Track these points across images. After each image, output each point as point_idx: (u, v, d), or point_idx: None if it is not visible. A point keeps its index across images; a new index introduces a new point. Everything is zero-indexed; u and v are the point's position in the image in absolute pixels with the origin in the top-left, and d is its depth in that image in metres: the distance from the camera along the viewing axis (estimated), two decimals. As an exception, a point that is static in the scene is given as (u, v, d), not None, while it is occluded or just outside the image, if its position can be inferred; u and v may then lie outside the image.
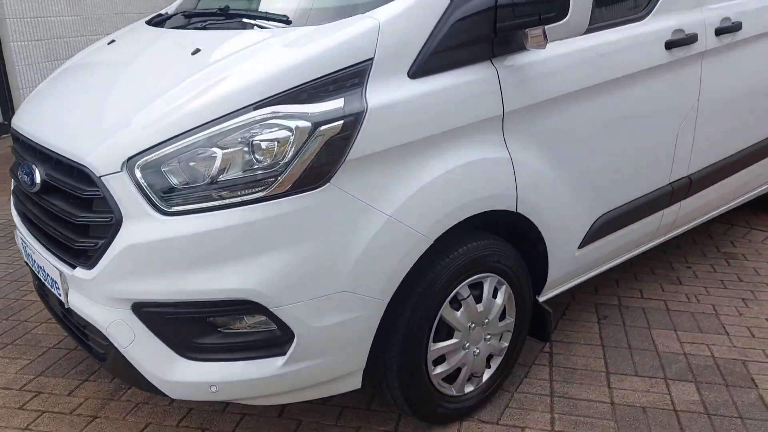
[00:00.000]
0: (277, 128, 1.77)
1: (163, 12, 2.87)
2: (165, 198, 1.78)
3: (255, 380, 1.88)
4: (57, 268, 2.03)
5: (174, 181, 1.78)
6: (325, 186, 1.80)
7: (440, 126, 1.97)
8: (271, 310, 1.80)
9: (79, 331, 2.14)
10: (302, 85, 1.80)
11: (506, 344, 2.41)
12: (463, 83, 2.01)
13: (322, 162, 1.78)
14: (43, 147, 2.09)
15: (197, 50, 2.08)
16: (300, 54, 1.85)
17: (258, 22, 2.20)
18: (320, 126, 1.78)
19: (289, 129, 1.76)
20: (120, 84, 2.13)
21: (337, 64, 1.83)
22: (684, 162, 2.93)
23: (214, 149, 1.77)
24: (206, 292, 1.78)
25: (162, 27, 2.60)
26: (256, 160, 1.76)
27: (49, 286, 2.15)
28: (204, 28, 2.36)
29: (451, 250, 2.11)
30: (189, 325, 1.85)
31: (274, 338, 1.86)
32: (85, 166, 1.87)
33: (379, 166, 1.88)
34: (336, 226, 1.83)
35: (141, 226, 1.79)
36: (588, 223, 2.57)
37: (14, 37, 6.68)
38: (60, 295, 2.05)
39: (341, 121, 1.79)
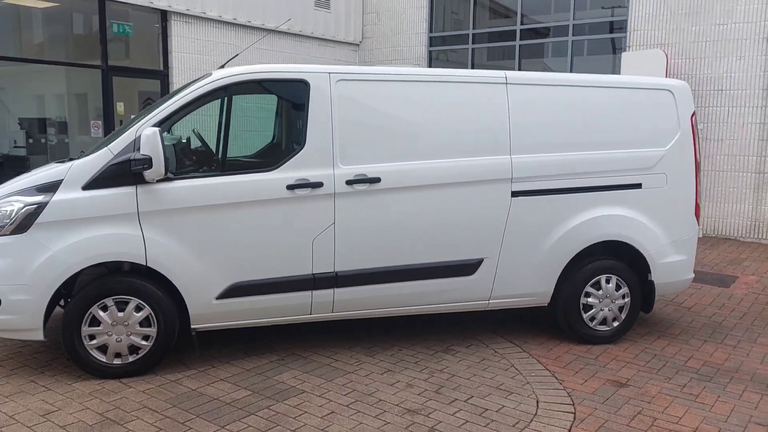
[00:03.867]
0: (11, 204, 4.06)
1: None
2: None
3: (-12, 320, 4.09)
4: None
5: None
6: (26, 233, 4.02)
7: (95, 213, 4.07)
8: (-10, 285, 4.03)
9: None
10: (30, 187, 4.09)
11: (149, 343, 4.25)
12: (112, 194, 4.11)
13: (25, 222, 4.02)
14: None
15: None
16: (41, 174, 4.15)
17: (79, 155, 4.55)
18: (27, 206, 4.03)
19: (13, 206, 4.04)
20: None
21: (47, 179, 4.10)
22: (326, 261, 4.49)
23: (-9, 212, 4.12)
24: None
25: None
26: (3, 217, 4.06)
27: None
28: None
29: (98, 278, 4.13)
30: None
31: (-6, 300, 4.07)
32: None
33: (58, 227, 4.04)
34: (28, 252, 4.02)
35: None
36: (222, 285, 4.33)
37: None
38: None
39: (35, 205, 4.03)
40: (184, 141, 5.00)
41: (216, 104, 4.62)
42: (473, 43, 12.64)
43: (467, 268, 4.80)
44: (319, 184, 4.41)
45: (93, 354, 4.20)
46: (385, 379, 4.36)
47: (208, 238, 4.27)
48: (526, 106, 4.86)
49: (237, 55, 5.32)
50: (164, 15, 10.33)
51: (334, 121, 4.47)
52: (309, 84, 4.45)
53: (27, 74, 10.19)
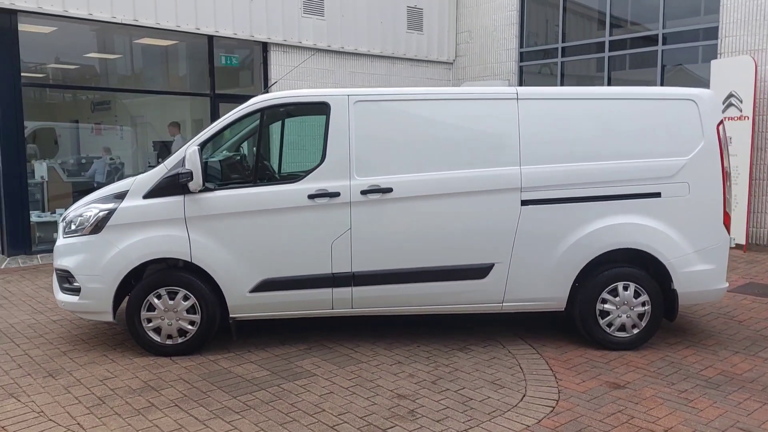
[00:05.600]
0: (90, 210, 5.06)
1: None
2: (66, 231, 5.19)
3: (71, 303, 5.08)
4: None
5: (72, 227, 5.19)
6: (99, 233, 4.99)
7: (153, 217, 4.96)
8: (75, 276, 5.02)
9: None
10: (107, 195, 5.07)
11: (195, 328, 5.05)
12: (165, 202, 4.97)
13: (100, 225, 4.99)
14: None
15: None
16: (116, 185, 5.14)
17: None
18: (102, 211, 5.00)
19: (92, 211, 5.03)
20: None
21: (117, 190, 5.06)
22: (344, 262, 5.05)
23: (78, 216, 5.14)
24: (59, 266, 5.11)
25: None
26: (85, 220, 5.06)
27: None
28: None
29: (149, 273, 5.00)
30: (61, 278, 5.18)
31: (76, 288, 5.04)
32: None
33: (123, 229, 4.96)
34: (101, 248, 4.97)
35: (60, 239, 5.23)
36: (254, 280, 5.03)
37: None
38: None
39: (107, 211, 4.98)
40: (237, 157, 5.81)
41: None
42: (562, 56, 12.68)
43: (478, 271, 5.14)
44: (337, 194, 5.00)
45: (150, 335, 5.06)
46: (392, 369, 4.82)
47: (242, 240, 5.00)
48: (537, 120, 5.13)
49: (275, 82, 6.09)
50: (265, 46, 11.49)
51: (352, 137, 5.04)
52: (330, 105, 5.07)
53: (159, 104, 11.81)
